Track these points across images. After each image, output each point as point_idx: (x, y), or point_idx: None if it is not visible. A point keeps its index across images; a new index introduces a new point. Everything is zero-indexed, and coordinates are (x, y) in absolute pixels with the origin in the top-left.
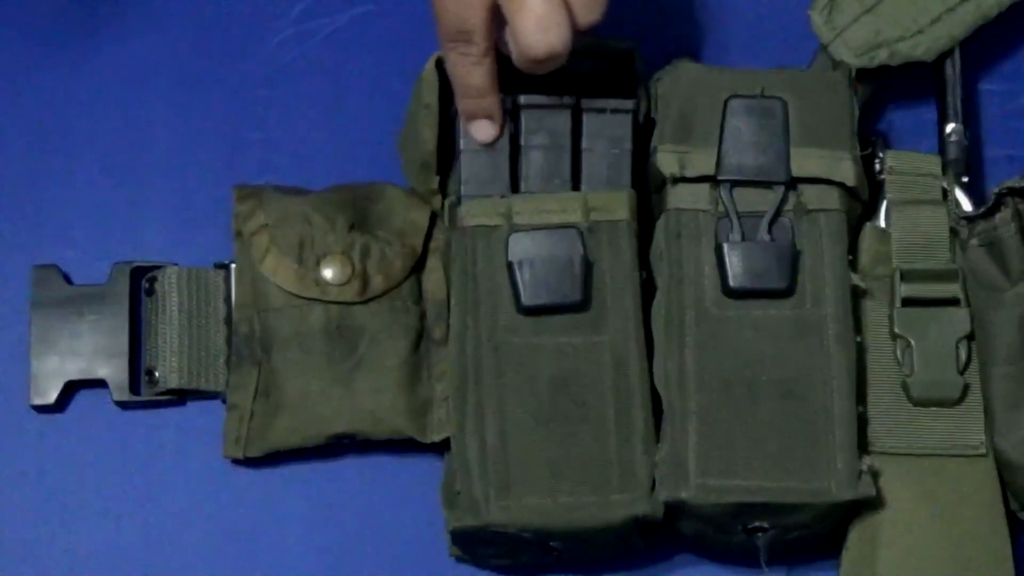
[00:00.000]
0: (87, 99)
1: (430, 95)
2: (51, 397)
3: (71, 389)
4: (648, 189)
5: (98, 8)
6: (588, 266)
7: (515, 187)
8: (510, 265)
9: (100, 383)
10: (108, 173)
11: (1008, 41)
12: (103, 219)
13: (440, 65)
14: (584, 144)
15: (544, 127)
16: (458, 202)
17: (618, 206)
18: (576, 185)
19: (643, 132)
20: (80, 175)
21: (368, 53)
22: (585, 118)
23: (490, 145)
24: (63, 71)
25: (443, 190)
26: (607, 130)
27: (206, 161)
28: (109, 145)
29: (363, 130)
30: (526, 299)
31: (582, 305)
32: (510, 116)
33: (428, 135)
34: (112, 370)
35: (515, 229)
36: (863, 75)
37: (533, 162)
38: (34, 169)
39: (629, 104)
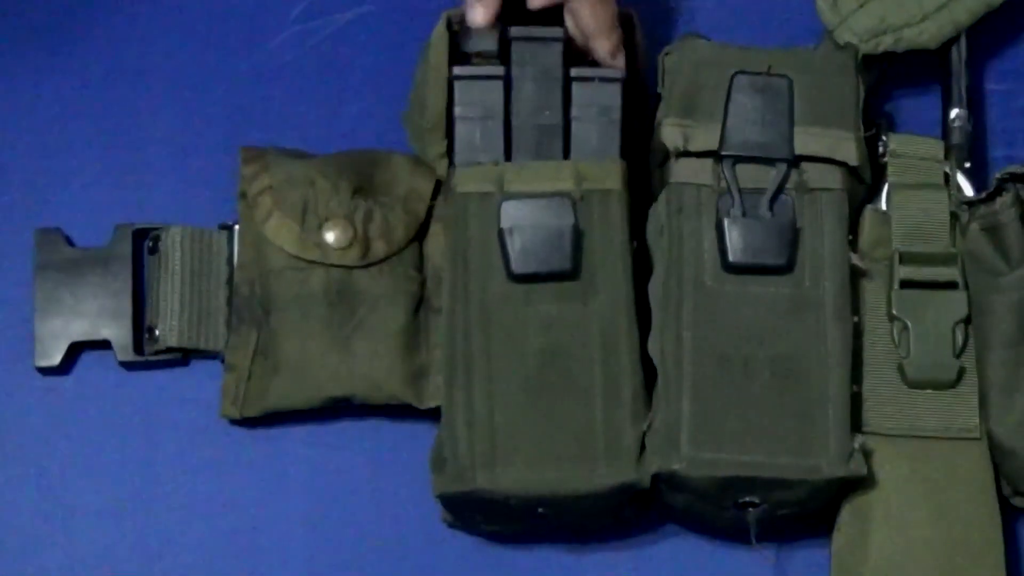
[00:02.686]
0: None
1: (439, 56)
2: (56, 359)
3: (75, 350)
4: (641, 160)
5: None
6: (579, 235)
7: (508, 155)
8: (501, 232)
9: (104, 344)
10: (110, 136)
11: (1008, 41)
12: (105, 182)
13: (450, 26)
14: (574, 112)
15: (535, 60)
16: (453, 166)
17: (610, 176)
18: (566, 153)
19: (641, 104)
20: (81, 139)
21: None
22: (575, 87)
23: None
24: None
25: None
26: (596, 99)
27: (209, 127)
28: (110, 109)
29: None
30: (516, 267)
31: (572, 274)
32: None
33: (437, 96)
34: (116, 331)
35: (507, 197)
36: (868, 61)
37: (524, 95)
38: (35, 134)
39: (618, 73)
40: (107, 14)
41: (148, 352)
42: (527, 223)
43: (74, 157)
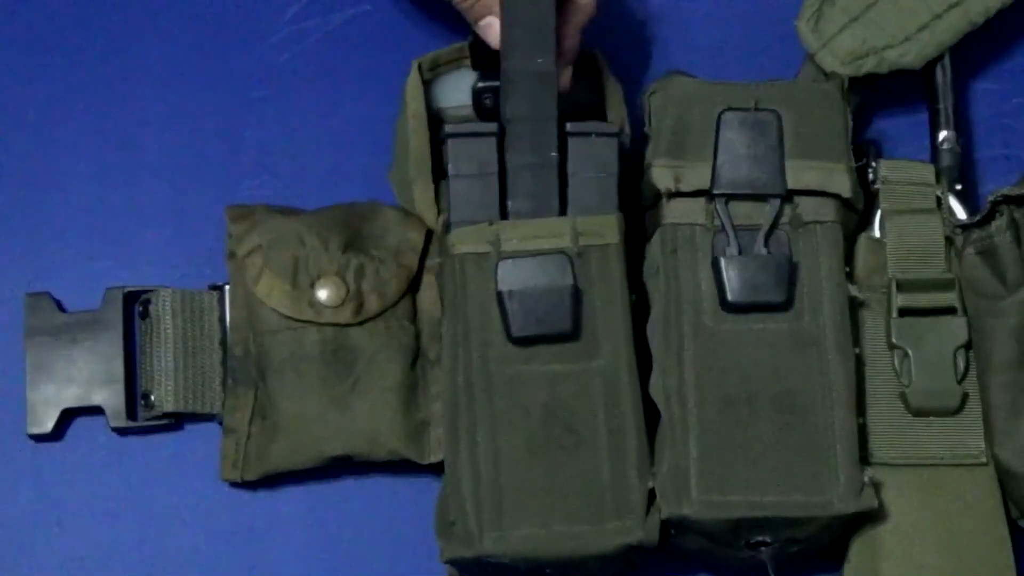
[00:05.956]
0: (77, 116)
1: (416, 104)
2: (48, 426)
3: (68, 417)
4: (634, 209)
5: (90, 12)
6: (578, 294)
7: (504, 213)
8: (500, 295)
9: (97, 410)
10: (99, 198)
11: (1003, 40)
12: (95, 245)
13: (421, 69)
14: (570, 168)
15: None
16: (449, 226)
17: (607, 230)
18: (563, 209)
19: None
20: (70, 202)
21: (363, 53)
22: (571, 143)
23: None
24: (50, 83)
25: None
26: (593, 155)
27: (199, 184)
28: (99, 172)
29: (358, 129)
30: (516, 330)
31: (573, 334)
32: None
33: (420, 142)
34: (108, 396)
35: (504, 256)
36: (852, 83)
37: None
38: (24, 197)
39: (615, 128)
40: (99, 22)
41: (143, 418)
42: (525, 285)
43: (63, 219)
